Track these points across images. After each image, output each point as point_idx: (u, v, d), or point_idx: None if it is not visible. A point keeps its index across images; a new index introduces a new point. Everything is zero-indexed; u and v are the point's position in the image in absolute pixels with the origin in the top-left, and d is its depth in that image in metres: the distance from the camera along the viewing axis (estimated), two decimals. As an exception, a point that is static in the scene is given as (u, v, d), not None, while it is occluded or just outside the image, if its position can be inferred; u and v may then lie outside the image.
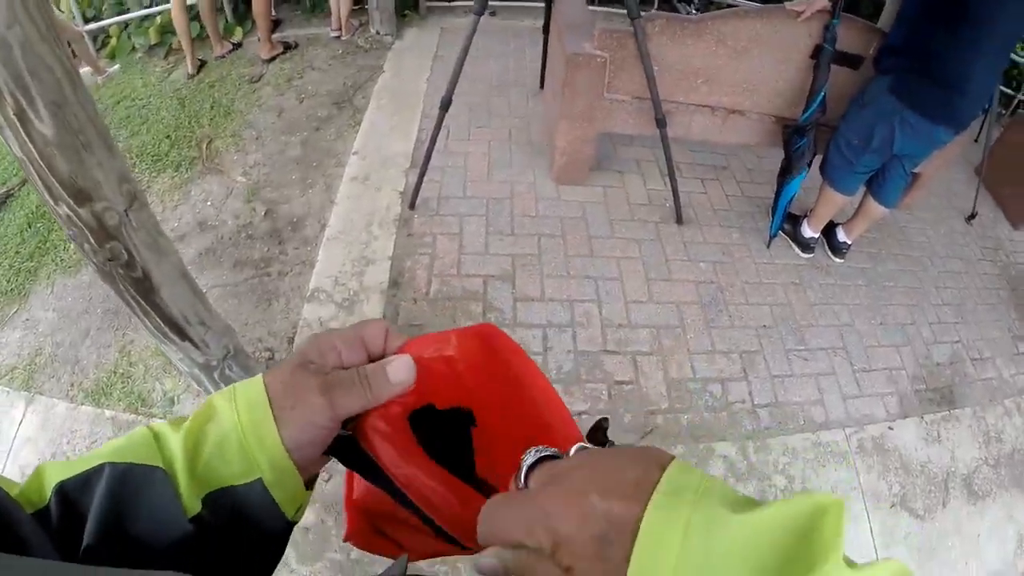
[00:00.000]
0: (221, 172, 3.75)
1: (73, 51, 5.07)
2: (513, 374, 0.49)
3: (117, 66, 5.08)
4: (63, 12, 5.09)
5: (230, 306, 3.05)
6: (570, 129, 3.09)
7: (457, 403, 0.47)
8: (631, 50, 2.79)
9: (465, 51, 2.65)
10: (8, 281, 3.53)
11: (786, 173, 3.09)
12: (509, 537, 0.33)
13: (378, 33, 4.52)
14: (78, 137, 1.32)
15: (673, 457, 0.32)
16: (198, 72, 4.64)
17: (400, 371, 0.44)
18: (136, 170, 3.88)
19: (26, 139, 1.26)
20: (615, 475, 0.32)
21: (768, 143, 3.22)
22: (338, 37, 4.56)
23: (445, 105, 2.77)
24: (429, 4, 4.80)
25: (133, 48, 5.14)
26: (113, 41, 5.26)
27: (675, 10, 4.55)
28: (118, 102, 4.65)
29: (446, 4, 4.89)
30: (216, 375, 2.19)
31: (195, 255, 3.35)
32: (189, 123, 4.14)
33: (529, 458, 0.36)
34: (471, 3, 4.79)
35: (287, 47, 4.56)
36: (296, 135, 3.85)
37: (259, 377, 0.42)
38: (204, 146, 3.93)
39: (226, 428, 0.40)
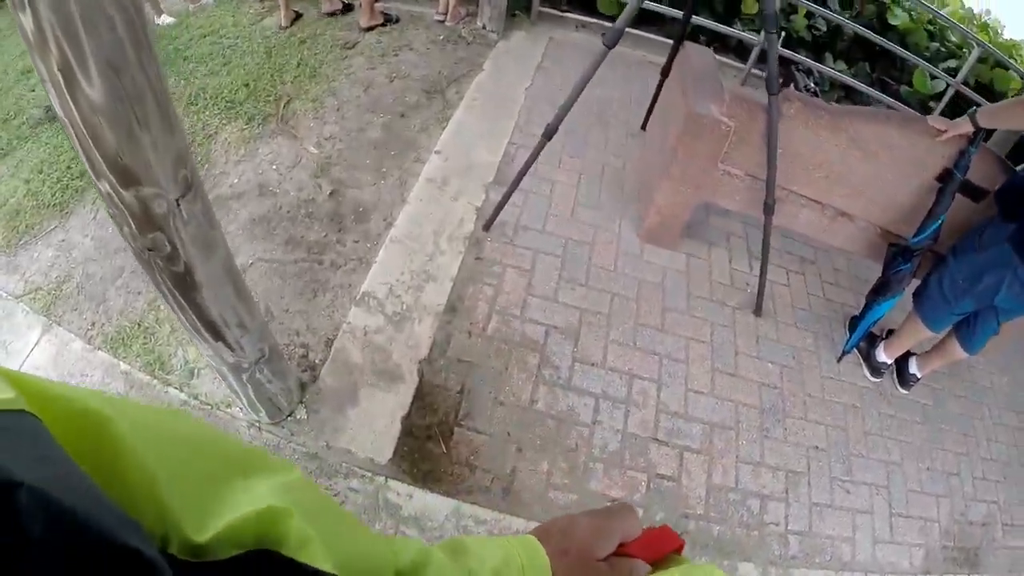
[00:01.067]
0: (294, 137, 3.57)
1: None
2: None
3: (213, -1, 4.92)
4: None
5: (273, 286, 2.86)
6: (672, 191, 2.87)
7: None
8: (759, 125, 2.56)
9: (585, 82, 2.43)
10: (53, 195, 3.39)
11: (879, 293, 2.86)
12: None
13: (484, 27, 4.30)
14: (133, 109, 1.09)
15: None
16: (291, 24, 4.45)
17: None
18: (206, 112, 3.71)
19: (69, 101, 1.04)
20: None
21: (868, 255, 2.99)
22: (442, 22, 4.36)
23: (549, 134, 2.56)
24: (542, 9, 4.57)
25: (232, -18, 4.96)
26: (215, -32, 5.09)
27: (791, 77, 4.27)
28: (204, 35, 4.48)
29: (559, 13, 4.65)
30: (245, 377, 2.00)
31: (247, 220, 3.17)
32: (271, 76, 3.95)
33: None
34: (587, 18, 4.81)
35: (388, 20, 4.36)
36: (379, 116, 3.66)
37: (547, 562, 0.46)
38: (282, 104, 3.75)
39: None
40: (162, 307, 2.82)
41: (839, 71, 4.48)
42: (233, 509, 0.31)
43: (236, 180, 3.38)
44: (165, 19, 4.73)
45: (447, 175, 3.22)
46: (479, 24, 4.32)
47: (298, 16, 4.55)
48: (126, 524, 0.23)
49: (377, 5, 4.45)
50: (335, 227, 3.10)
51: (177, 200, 1.32)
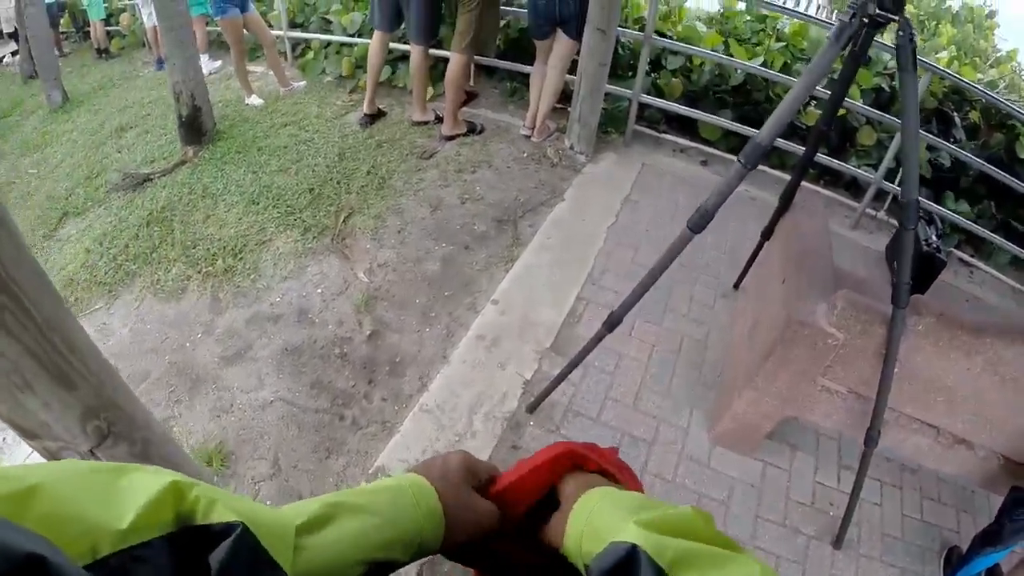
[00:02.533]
0: (346, 258, 3.26)
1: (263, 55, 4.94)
2: None
3: (303, 83, 4.84)
4: (272, 11, 4.91)
5: (288, 434, 2.53)
6: (755, 401, 2.31)
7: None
8: (875, 339, 1.99)
9: (670, 259, 1.93)
10: (106, 273, 3.32)
11: (988, 540, 2.19)
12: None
13: (572, 148, 3.92)
14: (10, 377, 1.00)
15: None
16: (372, 121, 4.25)
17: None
18: (265, 215, 3.50)
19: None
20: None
21: (983, 485, 2.34)
22: (528, 137, 4.01)
23: (611, 325, 2.09)
24: (637, 128, 4.14)
25: (323, 71, 4.87)
26: (310, 55, 5.03)
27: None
28: (285, 124, 4.35)
29: (655, 134, 4.21)
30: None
31: (280, 348, 2.85)
32: (338, 183, 3.71)
33: None
34: (686, 142, 4.10)
35: (472, 130, 4.07)
36: (441, 245, 3.30)
37: (437, 504, 0.53)
38: (341, 218, 3.47)
39: (410, 539, 0.50)
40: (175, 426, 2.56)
41: (961, 214, 3.80)
42: (138, 493, 0.34)
43: (279, 299, 3.10)
44: (254, 100, 4.66)
45: (499, 333, 2.78)
46: (567, 144, 3.94)
47: (381, 114, 4.34)
48: (33, 539, 0.26)
49: (464, 111, 4.18)
50: (366, 377, 2.72)
51: (91, 450, 1.21)
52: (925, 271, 3.25)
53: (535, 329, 2.82)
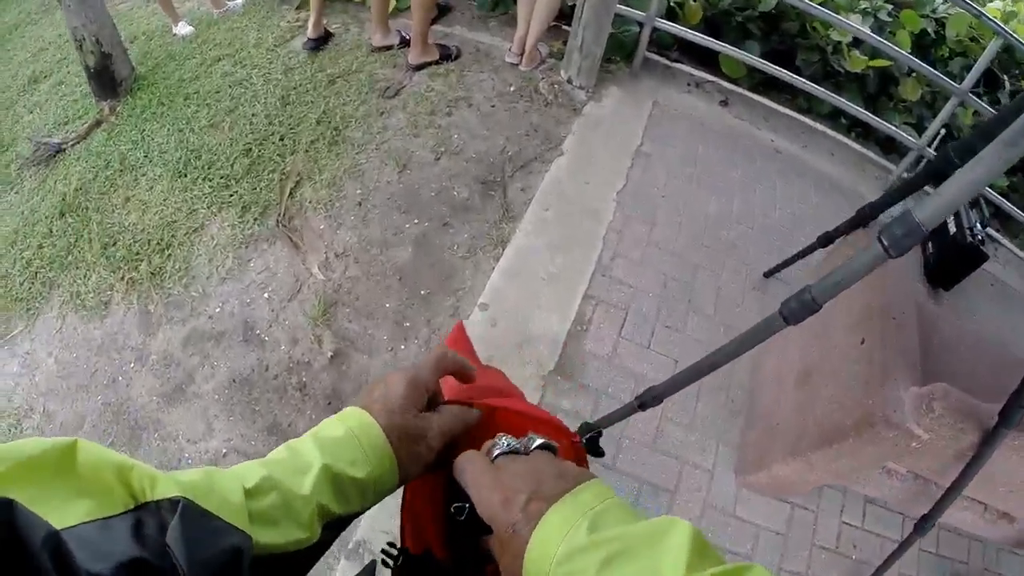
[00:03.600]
0: (296, 247, 2.62)
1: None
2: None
3: (240, 1, 3.94)
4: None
5: None
6: (804, 472, 1.80)
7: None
8: (963, 443, 1.53)
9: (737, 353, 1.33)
10: (22, 285, 2.75)
11: None
12: (466, 486, 0.47)
13: (569, 82, 3.12)
14: None
15: (596, 480, 0.44)
16: (320, 46, 3.43)
17: (474, 413, 0.56)
18: (195, 189, 2.86)
19: None
20: (547, 483, 0.43)
21: (1018, 546, 2.07)
22: (515, 65, 3.20)
23: (643, 403, 1.50)
24: (648, 55, 3.29)
25: (263, -17, 3.95)
26: (247, -39, 4.07)
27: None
28: (218, 60, 3.55)
29: (667, 63, 3.37)
30: None
31: (227, 379, 2.33)
32: (282, 139, 2.99)
33: (499, 447, 0.48)
34: (703, 74, 3.23)
35: (445, 56, 3.25)
36: (413, 221, 2.64)
37: (384, 441, 0.49)
38: (288, 190, 2.78)
39: (364, 483, 0.48)
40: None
41: (995, 188, 3.22)
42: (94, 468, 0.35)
43: (218, 309, 2.52)
44: (183, 28, 3.81)
45: (492, 352, 2.19)
46: (564, 76, 3.13)
47: (328, 36, 3.51)
48: None
49: (434, 30, 3.33)
50: (327, 415, 2.14)
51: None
52: (964, 263, 2.79)
53: (534, 345, 2.22)
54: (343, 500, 0.46)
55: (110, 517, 0.33)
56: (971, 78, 2.89)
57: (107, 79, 3.38)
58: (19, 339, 2.61)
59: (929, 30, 3.48)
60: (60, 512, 0.31)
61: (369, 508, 0.50)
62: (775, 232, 2.81)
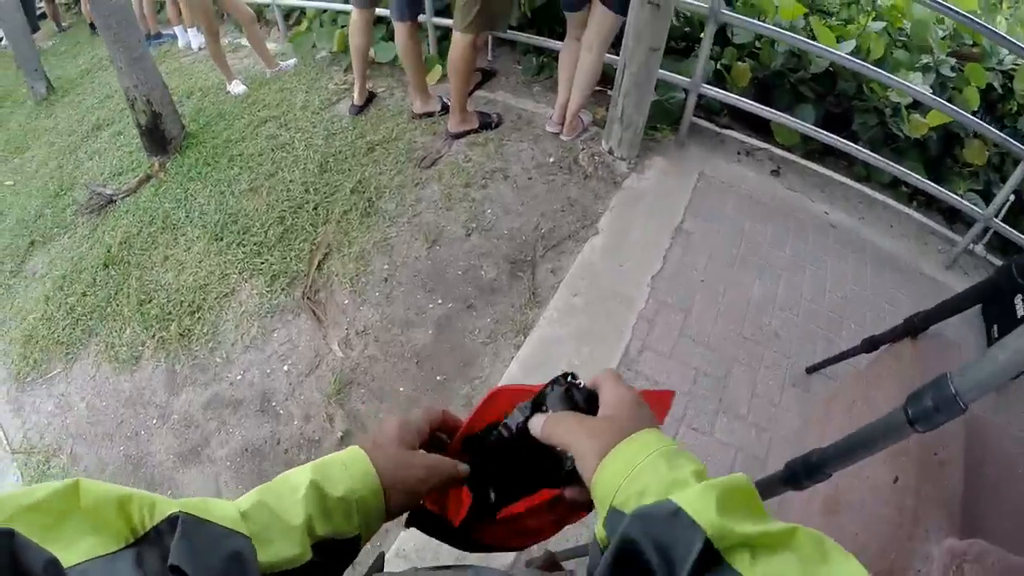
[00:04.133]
0: (319, 321, 2.58)
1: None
2: None
3: (292, 61, 4.06)
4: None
5: None
6: None
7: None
8: None
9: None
10: (64, 328, 2.87)
11: None
12: (557, 440, 0.51)
13: (611, 152, 3.00)
14: None
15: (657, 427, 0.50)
16: (364, 107, 3.44)
17: (463, 468, 0.58)
18: (229, 254, 2.91)
19: None
20: (627, 423, 0.49)
21: None
22: (557, 134, 3.11)
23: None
24: (695, 121, 3.15)
25: (313, 46, 4.03)
26: (303, 26, 4.19)
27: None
28: (265, 121, 3.61)
29: (716, 129, 3.22)
30: None
31: (240, 447, 2.32)
32: (315, 208, 2.98)
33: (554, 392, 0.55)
34: (755, 141, 3.09)
35: (485, 124, 3.20)
36: (437, 300, 2.56)
37: (369, 465, 0.53)
38: (316, 262, 2.75)
39: (348, 502, 0.50)
40: None
41: None
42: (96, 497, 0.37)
43: (239, 376, 2.50)
44: (237, 87, 3.92)
45: (504, 454, 2.03)
46: (604, 146, 3.02)
47: (372, 97, 3.52)
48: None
49: (476, 96, 3.30)
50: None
51: None
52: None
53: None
54: (327, 518, 0.48)
55: (114, 552, 0.34)
56: None
57: (157, 137, 3.49)
58: (56, 380, 2.73)
59: (996, 84, 3.21)
60: (65, 553, 0.32)
61: (358, 535, 0.51)
62: (823, 319, 2.58)
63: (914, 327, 1.77)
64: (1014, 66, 3.23)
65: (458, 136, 3.15)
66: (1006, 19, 3.82)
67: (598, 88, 3.12)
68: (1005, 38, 2.53)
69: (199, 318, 2.71)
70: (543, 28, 3.37)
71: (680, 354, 2.33)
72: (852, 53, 2.87)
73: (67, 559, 0.31)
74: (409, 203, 2.93)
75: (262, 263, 2.81)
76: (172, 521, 0.38)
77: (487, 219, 2.82)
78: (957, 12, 2.48)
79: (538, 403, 0.55)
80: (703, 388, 2.27)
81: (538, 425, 0.53)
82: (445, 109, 3.30)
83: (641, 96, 2.77)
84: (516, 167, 3.02)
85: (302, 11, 4.37)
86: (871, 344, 1.98)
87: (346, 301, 2.62)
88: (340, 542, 0.49)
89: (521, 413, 0.55)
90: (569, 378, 0.54)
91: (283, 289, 2.69)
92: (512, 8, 3.01)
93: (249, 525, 0.43)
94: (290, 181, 3.14)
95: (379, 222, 2.87)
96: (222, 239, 2.96)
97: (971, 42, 3.41)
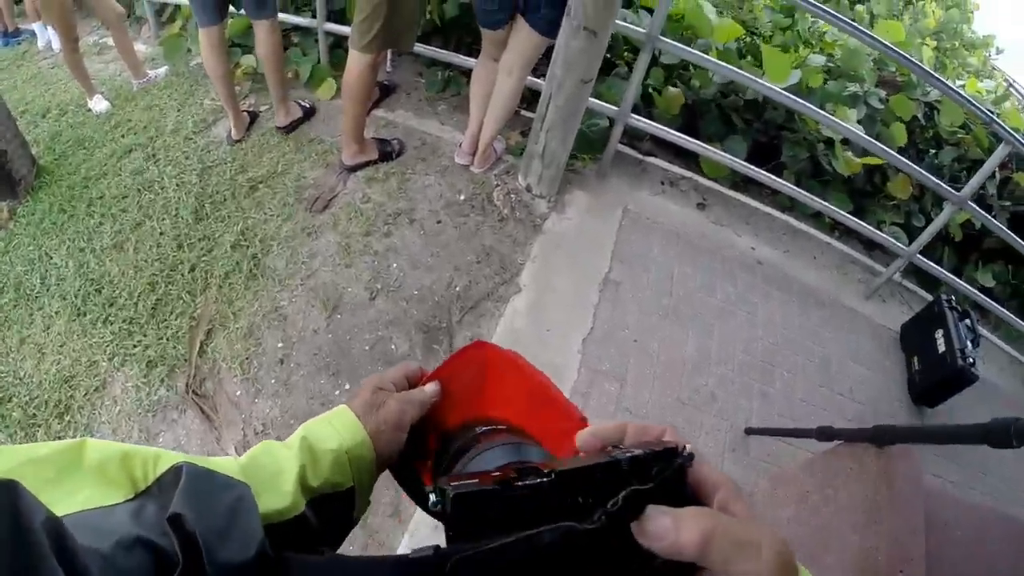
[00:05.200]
0: (208, 420, 2.25)
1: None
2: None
3: (164, 70, 3.51)
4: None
5: None
6: None
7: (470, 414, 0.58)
8: None
9: None
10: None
11: None
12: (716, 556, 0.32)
13: (528, 190, 2.69)
14: None
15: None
16: (245, 134, 3.01)
17: (431, 388, 0.59)
18: (94, 333, 2.51)
19: None
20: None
21: None
22: (467, 166, 2.76)
23: None
24: (622, 147, 2.85)
25: (188, 51, 3.48)
26: (176, 25, 3.59)
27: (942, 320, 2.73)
28: (129, 151, 3.12)
29: (639, 156, 2.95)
30: None
31: None
32: (192, 269, 2.60)
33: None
34: (678, 169, 2.83)
35: (384, 155, 2.82)
36: (344, 385, 2.28)
37: (352, 416, 0.54)
38: (198, 342, 2.40)
39: (339, 453, 0.51)
40: None
41: (983, 288, 3.16)
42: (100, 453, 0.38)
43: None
44: (99, 103, 3.37)
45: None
46: (522, 183, 2.70)
47: (254, 118, 3.06)
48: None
49: (374, 116, 2.89)
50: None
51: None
52: (953, 385, 2.57)
53: None
54: (320, 469, 0.49)
55: (112, 505, 0.35)
56: (972, 187, 2.58)
57: (3, 178, 2.95)
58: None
59: (919, 115, 3.20)
60: (63, 504, 0.33)
61: (352, 487, 0.52)
62: (756, 371, 2.49)
63: (880, 438, 1.65)
64: (938, 100, 3.24)
65: (354, 169, 2.77)
66: (927, 43, 3.93)
67: (508, 121, 2.76)
68: (930, 74, 2.49)
69: (69, 421, 2.31)
70: (452, 38, 2.94)
71: (615, 434, 2.14)
72: (791, 90, 2.65)
73: (64, 509, 0.32)
74: (302, 259, 2.57)
75: (135, 346, 2.42)
76: (177, 471, 0.38)
77: (393, 276, 2.49)
78: (886, 46, 2.37)
79: (627, 476, 0.32)
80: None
81: (676, 528, 0.31)
82: (305, 115, 2.93)
83: (567, 132, 2.47)
84: (423, 207, 2.67)
85: (177, 7, 3.73)
86: (825, 436, 1.89)
87: (238, 392, 2.29)
88: (335, 498, 0.50)
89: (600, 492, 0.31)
90: (684, 452, 0.34)
91: (163, 380, 2.33)
92: (418, 24, 2.58)
93: (247, 476, 0.43)
94: (160, 234, 2.70)
95: (268, 285, 2.50)
96: (85, 314, 2.53)
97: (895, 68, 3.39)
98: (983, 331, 3.09)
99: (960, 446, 1.87)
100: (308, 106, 3.02)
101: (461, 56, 2.87)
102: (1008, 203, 3.27)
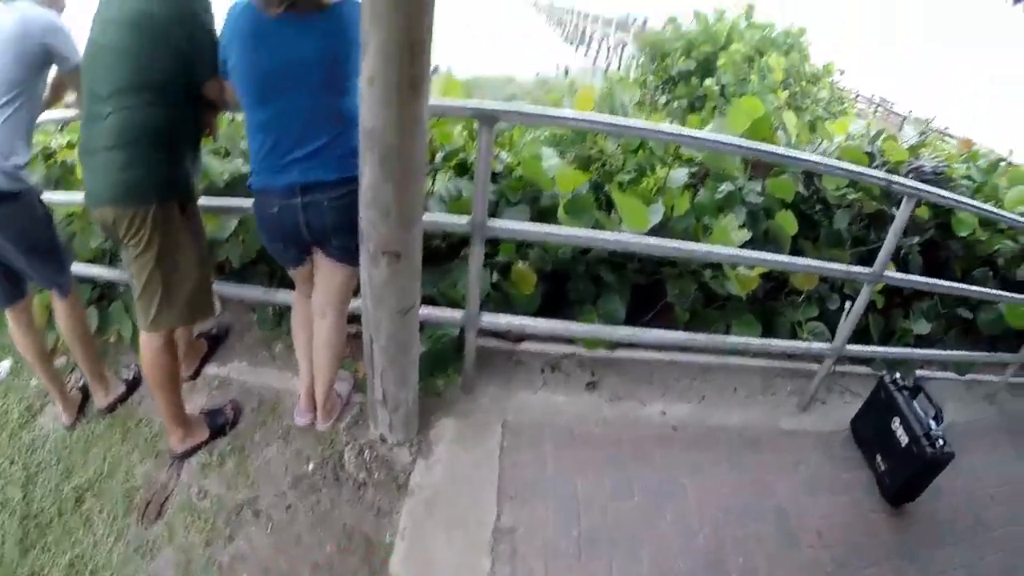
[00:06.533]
0: None
1: None
2: None
3: (7, 363, 3.09)
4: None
5: None
6: None
7: None
8: None
9: None
10: None
11: None
12: None
13: (383, 440, 2.26)
14: None
15: None
16: (76, 420, 2.61)
17: None
18: None
19: None
20: None
21: None
22: (311, 424, 2.34)
23: None
24: (485, 343, 2.46)
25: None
26: None
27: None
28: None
29: (509, 346, 2.57)
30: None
31: None
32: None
33: None
34: (555, 348, 2.51)
35: (217, 430, 2.40)
36: None
37: None
38: None
39: None
40: None
41: (919, 336, 3.01)
42: None
43: None
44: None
45: None
46: (375, 434, 2.27)
47: (87, 397, 2.66)
48: None
49: (205, 375, 2.48)
50: None
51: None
52: (928, 472, 2.34)
53: None
54: None
55: None
56: (882, 261, 2.34)
57: None
58: None
59: (801, 189, 2.91)
60: None
61: None
62: (705, 574, 2.06)
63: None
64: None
65: (185, 456, 2.35)
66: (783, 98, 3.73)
67: (350, 324, 2.35)
68: (802, 159, 2.31)
69: None
70: (276, 270, 2.55)
71: None
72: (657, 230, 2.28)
73: None
74: (136, 586, 2.12)
75: None
76: None
77: (243, 593, 2.05)
78: (748, 148, 2.17)
79: None
80: None
81: None
82: (133, 385, 2.61)
83: (404, 370, 2.07)
84: (268, 491, 2.24)
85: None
86: None
87: None
88: None
89: None
90: None
91: None
92: (211, 289, 2.18)
93: None
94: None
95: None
96: None
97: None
98: (939, 375, 3.17)
99: None
100: (132, 377, 2.62)
101: (282, 291, 2.46)
102: (916, 237, 3.02)
